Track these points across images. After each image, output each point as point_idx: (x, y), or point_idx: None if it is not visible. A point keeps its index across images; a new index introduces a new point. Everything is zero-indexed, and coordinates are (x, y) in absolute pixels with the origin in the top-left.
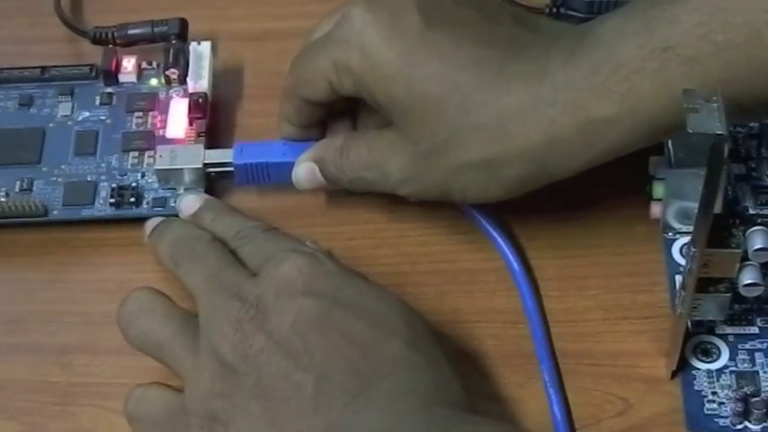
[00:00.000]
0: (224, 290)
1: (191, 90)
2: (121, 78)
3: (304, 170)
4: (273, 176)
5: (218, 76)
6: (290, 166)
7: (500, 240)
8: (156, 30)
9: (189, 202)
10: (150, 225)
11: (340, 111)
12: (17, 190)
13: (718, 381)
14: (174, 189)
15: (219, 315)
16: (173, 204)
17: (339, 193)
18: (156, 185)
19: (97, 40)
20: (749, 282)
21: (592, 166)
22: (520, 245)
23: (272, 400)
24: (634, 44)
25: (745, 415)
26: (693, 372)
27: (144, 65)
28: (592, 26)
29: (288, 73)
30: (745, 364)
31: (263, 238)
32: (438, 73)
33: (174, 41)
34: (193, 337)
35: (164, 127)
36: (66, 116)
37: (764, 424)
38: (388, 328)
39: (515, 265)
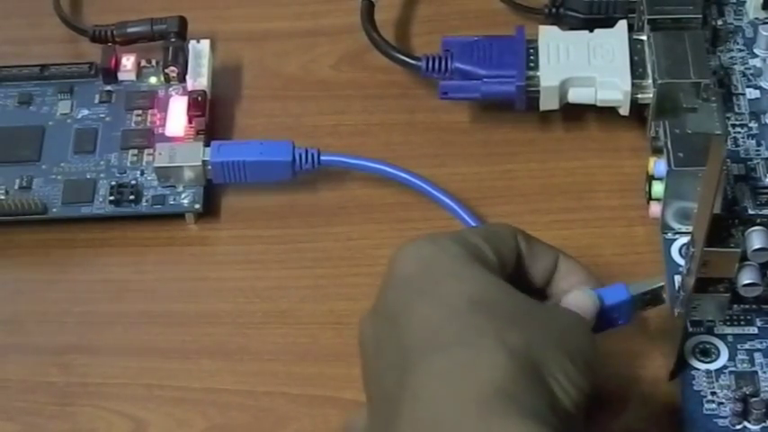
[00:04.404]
0: None
1: (190, 88)
2: (121, 76)
3: None
4: (250, 175)
5: (217, 75)
6: (266, 164)
7: None
8: (155, 28)
9: None
10: None
11: None
12: (17, 188)
13: (717, 381)
14: (174, 186)
15: None
16: (172, 202)
17: (337, 193)
18: (155, 183)
19: (96, 38)
20: (748, 282)
21: None
22: None
23: None
24: None
25: (744, 415)
26: (692, 372)
27: (143, 63)
28: None
29: None
30: (745, 365)
31: None
32: None
33: (173, 39)
34: None
35: (163, 125)
36: (65, 114)
37: (764, 424)
38: None
39: None
